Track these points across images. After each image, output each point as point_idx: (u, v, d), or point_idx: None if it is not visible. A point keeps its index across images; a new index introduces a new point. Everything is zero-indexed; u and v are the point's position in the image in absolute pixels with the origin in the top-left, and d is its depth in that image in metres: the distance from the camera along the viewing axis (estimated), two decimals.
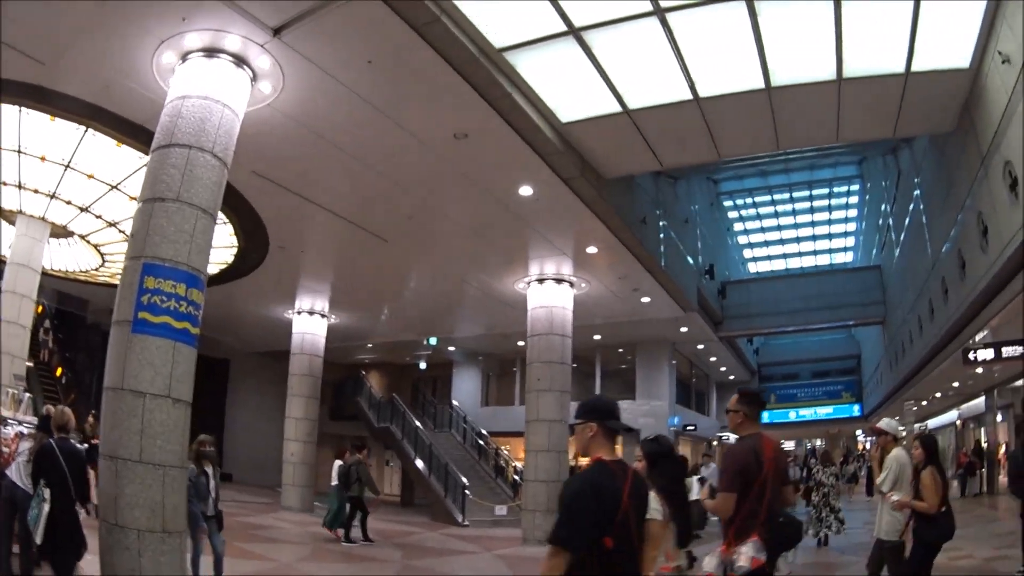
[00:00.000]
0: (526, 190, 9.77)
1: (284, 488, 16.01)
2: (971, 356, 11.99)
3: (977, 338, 12.14)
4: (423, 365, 22.58)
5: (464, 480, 16.03)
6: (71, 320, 19.23)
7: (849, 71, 8.15)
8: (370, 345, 21.37)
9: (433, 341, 19.97)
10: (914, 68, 8.16)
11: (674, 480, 3.40)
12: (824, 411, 35.47)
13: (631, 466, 2.87)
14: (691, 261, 17.86)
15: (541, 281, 13.14)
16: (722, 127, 9.19)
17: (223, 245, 12.23)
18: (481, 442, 19.80)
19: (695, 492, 9.84)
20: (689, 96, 8.24)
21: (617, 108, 8.36)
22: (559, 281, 13.10)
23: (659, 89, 8.24)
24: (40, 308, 15.51)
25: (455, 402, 22.16)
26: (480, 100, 7.47)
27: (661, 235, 14.10)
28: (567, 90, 8.14)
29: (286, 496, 15.90)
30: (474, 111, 7.66)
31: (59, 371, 18.64)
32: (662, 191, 15.27)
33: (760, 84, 8.23)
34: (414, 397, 24.24)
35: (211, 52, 6.56)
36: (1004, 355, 11.76)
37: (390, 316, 18.08)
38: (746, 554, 3.42)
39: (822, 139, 11.78)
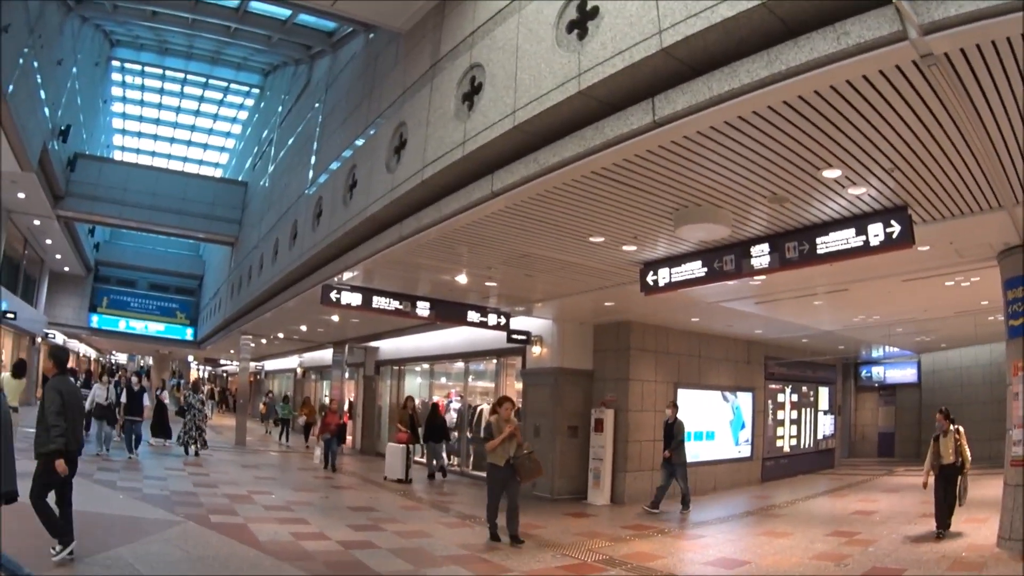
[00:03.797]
0: None
1: None
2: (333, 296, 9.82)
3: (345, 277, 9.76)
4: None
5: None
6: None
7: None
8: None
9: None
10: None
11: None
12: (156, 328, 33.57)
13: None
14: (47, 112, 14.93)
15: None
16: None
17: None
18: None
19: None
20: None
21: None
22: None
23: None
24: None
25: None
26: None
27: (20, 60, 11.43)
28: None
29: None
30: None
31: None
32: (48, 15, 12.69)
33: None
34: None
35: None
36: (349, 303, 9.87)
37: None
38: None
39: None
